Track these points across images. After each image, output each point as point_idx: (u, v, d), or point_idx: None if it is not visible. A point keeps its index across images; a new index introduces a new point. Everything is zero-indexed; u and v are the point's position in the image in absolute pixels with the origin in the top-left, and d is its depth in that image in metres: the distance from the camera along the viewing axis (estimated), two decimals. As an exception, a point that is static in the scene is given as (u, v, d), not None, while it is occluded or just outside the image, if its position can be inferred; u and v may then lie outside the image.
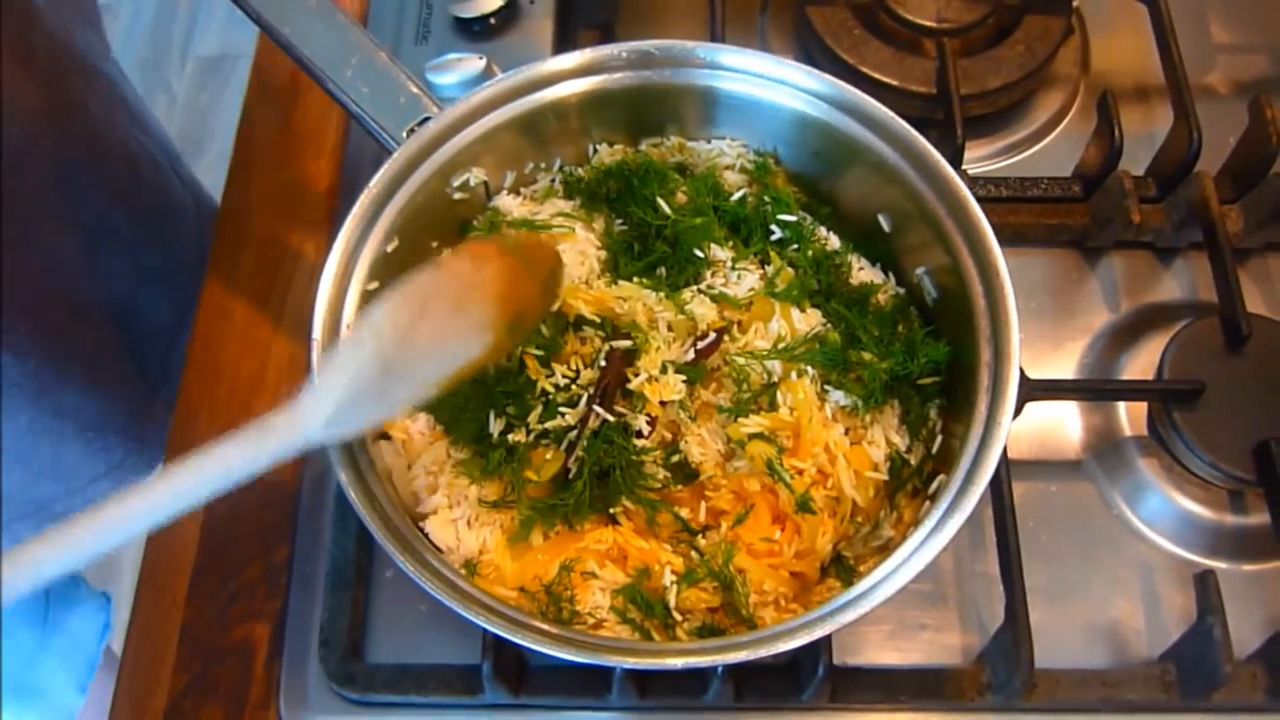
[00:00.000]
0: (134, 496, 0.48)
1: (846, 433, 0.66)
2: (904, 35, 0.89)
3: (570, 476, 0.64)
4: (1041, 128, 0.91)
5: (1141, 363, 0.78)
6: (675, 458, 0.66)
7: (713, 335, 0.67)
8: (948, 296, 0.67)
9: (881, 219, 0.71)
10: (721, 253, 0.71)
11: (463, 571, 0.62)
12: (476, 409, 0.65)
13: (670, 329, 0.68)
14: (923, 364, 0.66)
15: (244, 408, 0.80)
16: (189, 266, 0.87)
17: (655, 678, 0.68)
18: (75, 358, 0.76)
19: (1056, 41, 0.89)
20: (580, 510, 0.64)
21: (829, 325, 0.69)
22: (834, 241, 0.73)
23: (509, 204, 0.73)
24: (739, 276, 0.70)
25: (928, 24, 0.89)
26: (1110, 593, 0.72)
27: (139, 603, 0.75)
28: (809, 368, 0.66)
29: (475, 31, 0.91)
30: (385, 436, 0.67)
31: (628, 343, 0.66)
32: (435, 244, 0.71)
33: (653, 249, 0.71)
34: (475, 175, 0.71)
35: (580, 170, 0.75)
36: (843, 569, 0.65)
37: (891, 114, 0.67)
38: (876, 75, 0.88)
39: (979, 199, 0.64)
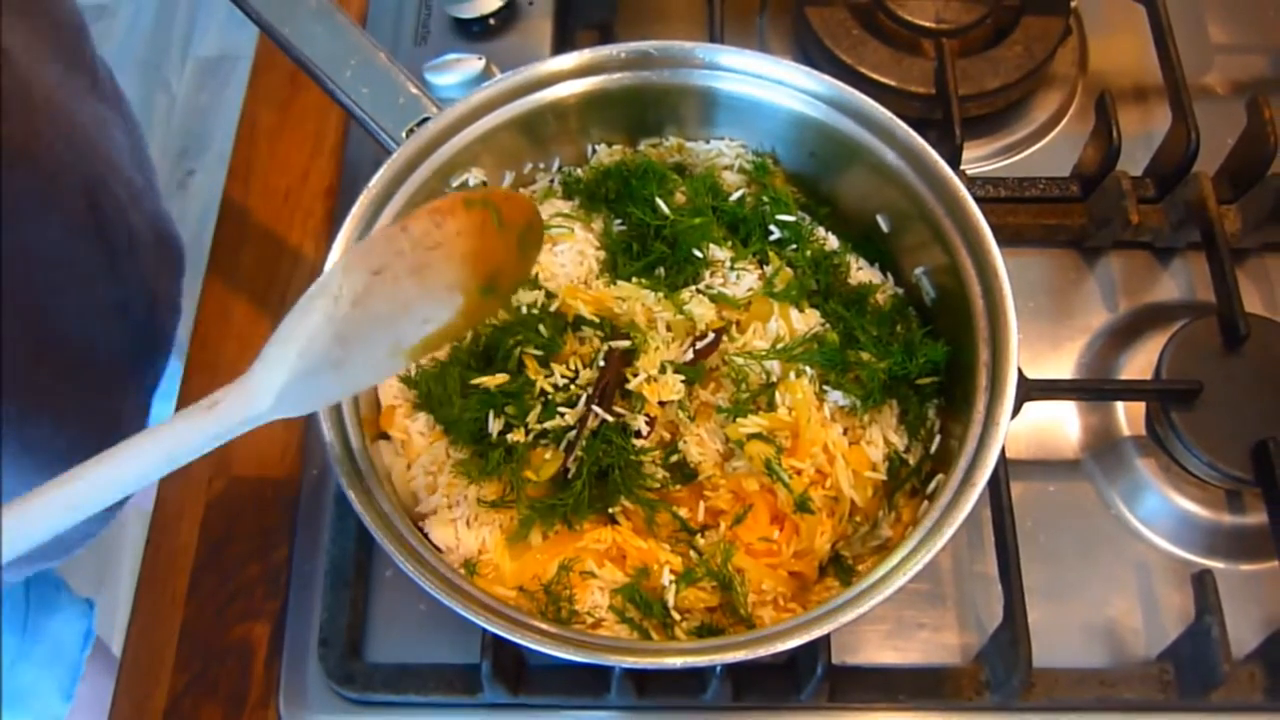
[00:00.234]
0: (56, 486, 0.45)
1: (845, 433, 0.66)
2: (902, 36, 0.89)
3: (569, 476, 0.64)
4: (1040, 128, 0.91)
5: (1139, 363, 0.78)
6: (674, 457, 0.66)
7: (711, 335, 0.67)
8: (946, 296, 0.68)
9: (880, 219, 0.71)
10: (720, 253, 0.71)
11: (462, 571, 0.62)
12: (475, 409, 0.65)
13: (669, 329, 0.68)
14: (921, 364, 0.66)
15: (243, 408, 0.80)
16: (147, 302, 0.85)
17: (654, 677, 0.68)
18: (39, 392, 0.74)
19: (1054, 42, 0.89)
20: (579, 510, 0.64)
21: (827, 325, 0.69)
22: (832, 241, 0.73)
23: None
24: (737, 277, 0.70)
25: (926, 24, 0.89)
26: (1108, 592, 0.72)
27: (139, 603, 0.75)
28: (807, 368, 0.67)
29: (474, 32, 0.91)
30: (384, 436, 0.67)
31: (626, 343, 0.66)
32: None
33: (651, 249, 0.71)
34: (474, 175, 0.71)
35: (579, 170, 0.75)
36: (841, 569, 0.65)
37: (890, 114, 0.67)
38: (875, 76, 0.88)
39: (977, 199, 0.65)
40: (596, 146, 0.75)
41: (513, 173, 0.74)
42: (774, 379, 0.66)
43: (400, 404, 0.68)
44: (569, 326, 0.68)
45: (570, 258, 0.71)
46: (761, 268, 0.71)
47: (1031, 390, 0.70)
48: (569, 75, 0.70)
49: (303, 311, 0.50)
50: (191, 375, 0.82)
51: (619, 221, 0.73)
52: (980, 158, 0.90)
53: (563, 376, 0.66)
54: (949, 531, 0.56)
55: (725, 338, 0.68)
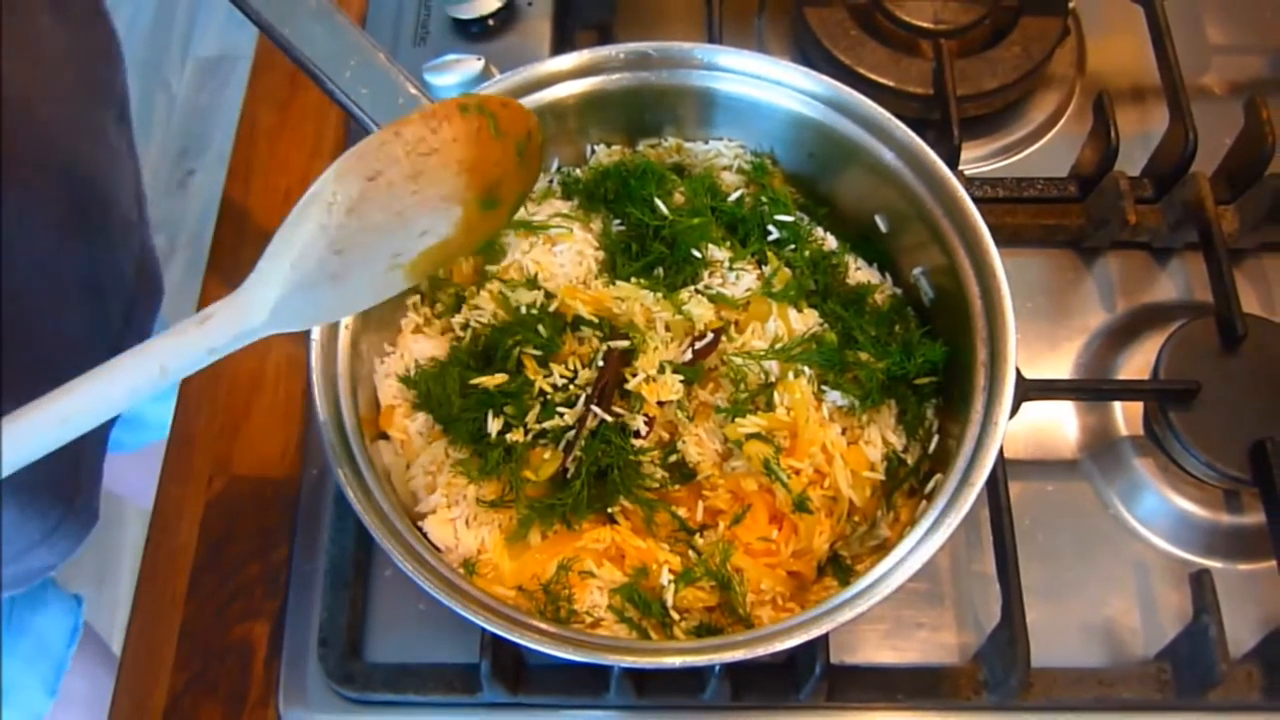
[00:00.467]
0: (49, 401, 0.43)
1: (843, 432, 0.67)
2: (901, 36, 0.89)
3: (568, 476, 0.64)
4: (1038, 128, 0.91)
5: (1137, 363, 0.79)
6: (673, 457, 0.66)
7: (710, 335, 0.67)
8: (944, 296, 0.68)
9: (878, 219, 0.71)
10: (719, 253, 0.71)
11: (461, 571, 0.62)
12: (474, 409, 0.65)
13: (668, 329, 0.68)
14: (919, 364, 0.67)
15: (244, 407, 0.81)
16: (115, 332, 0.85)
17: (653, 676, 0.68)
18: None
19: (1053, 43, 0.89)
20: (578, 510, 0.64)
21: (826, 325, 0.69)
22: (831, 242, 0.73)
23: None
24: (736, 277, 0.70)
25: (924, 25, 0.89)
26: (1106, 592, 0.72)
27: (138, 602, 0.75)
28: (806, 368, 0.67)
29: (473, 32, 0.91)
30: (384, 436, 0.67)
31: (625, 343, 0.66)
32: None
33: (650, 249, 0.71)
34: (474, 176, 0.71)
35: (578, 171, 0.76)
36: (840, 568, 0.65)
37: (888, 115, 0.68)
38: (873, 76, 0.88)
39: (975, 199, 0.65)
40: (595, 147, 0.75)
41: (512, 173, 0.74)
42: (772, 379, 0.67)
43: (399, 404, 0.68)
44: (568, 326, 0.68)
45: (569, 258, 0.71)
46: (760, 268, 0.72)
47: (1029, 390, 0.70)
48: (568, 76, 0.70)
49: (296, 221, 0.48)
50: (191, 376, 0.82)
51: (618, 222, 0.73)
52: (978, 158, 0.90)
53: (562, 376, 0.66)
54: (947, 531, 0.57)
55: (724, 338, 0.68)
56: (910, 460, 0.67)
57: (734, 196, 0.73)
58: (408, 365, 0.69)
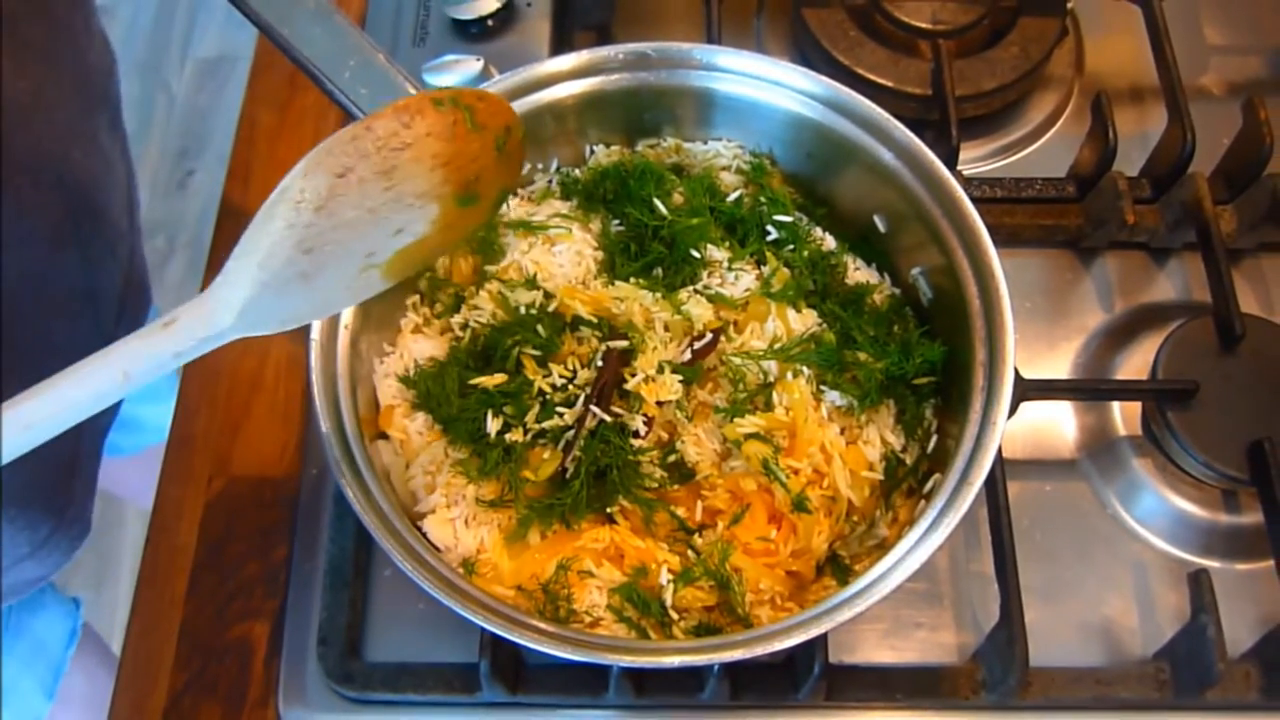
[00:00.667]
0: (10, 406, 0.42)
1: (842, 432, 0.67)
2: (899, 37, 0.90)
3: (567, 476, 0.64)
4: (1036, 129, 0.91)
5: (1136, 363, 0.79)
6: (672, 457, 0.66)
7: (709, 335, 0.68)
8: (943, 297, 0.68)
9: (877, 219, 0.72)
10: (718, 253, 0.71)
11: (460, 570, 0.62)
12: (474, 409, 0.66)
13: (667, 329, 0.68)
14: (918, 364, 0.67)
15: (243, 407, 0.81)
16: (104, 340, 0.84)
17: (652, 676, 0.68)
18: None
19: (1051, 43, 0.89)
20: (577, 509, 0.64)
21: (825, 325, 0.69)
22: (830, 242, 0.73)
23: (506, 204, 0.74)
24: (735, 277, 0.70)
25: (923, 25, 0.89)
26: (1104, 591, 0.72)
27: (138, 602, 0.75)
28: (805, 368, 0.67)
29: (472, 33, 0.91)
30: (383, 436, 0.67)
31: (624, 343, 0.66)
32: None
33: (649, 250, 0.71)
34: (473, 176, 0.71)
35: (577, 171, 0.76)
36: (838, 568, 0.65)
37: (887, 115, 0.68)
38: (872, 77, 0.88)
39: (974, 200, 0.65)
40: (594, 147, 0.76)
41: (511, 173, 0.74)
42: (771, 379, 0.67)
43: (399, 403, 0.68)
44: (567, 327, 0.68)
45: (568, 258, 0.71)
46: (759, 268, 0.72)
47: (1028, 390, 0.70)
48: (567, 76, 0.71)
49: (263, 220, 0.46)
50: (191, 374, 0.82)
51: (617, 222, 0.73)
52: (977, 158, 0.90)
53: (561, 376, 0.66)
54: (946, 531, 0.57)
55: (723, 338, 0.68)
56: (909, 460, 0.67)
57: (733, 197, 0.73)
58: (407, 365, 0.69)
